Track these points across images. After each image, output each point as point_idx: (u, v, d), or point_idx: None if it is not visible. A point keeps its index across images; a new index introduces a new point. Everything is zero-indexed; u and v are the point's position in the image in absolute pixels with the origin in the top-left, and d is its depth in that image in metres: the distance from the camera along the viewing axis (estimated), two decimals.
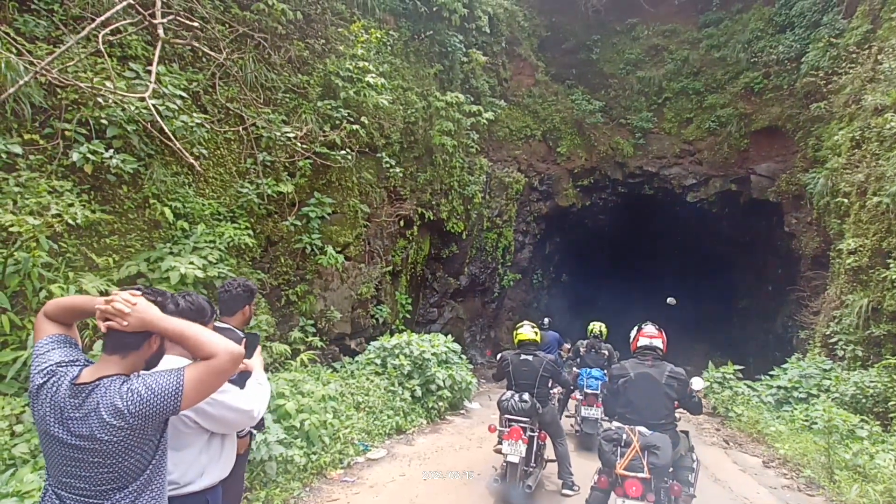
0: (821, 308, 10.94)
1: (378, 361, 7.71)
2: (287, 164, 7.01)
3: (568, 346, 9.63)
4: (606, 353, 7.88)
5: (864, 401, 7.72)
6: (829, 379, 8.70)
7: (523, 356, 5.50)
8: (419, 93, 10.80)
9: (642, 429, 4.02)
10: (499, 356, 5.79)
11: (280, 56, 7.05)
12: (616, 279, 20.45)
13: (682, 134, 16.10)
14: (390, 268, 10.05)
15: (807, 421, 7.74)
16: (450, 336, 9.31)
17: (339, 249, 7.91)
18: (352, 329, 8.49)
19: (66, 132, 4.49)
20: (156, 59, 4.66)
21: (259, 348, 2.67)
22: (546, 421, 5.37)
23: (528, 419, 5.13)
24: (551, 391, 5.84)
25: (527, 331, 5.76)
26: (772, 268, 15.38)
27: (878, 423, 7.12)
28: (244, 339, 2.68)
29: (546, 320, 10.26)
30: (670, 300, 15.00)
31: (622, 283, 20.53)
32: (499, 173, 14.79)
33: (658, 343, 4.37)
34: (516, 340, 5.79)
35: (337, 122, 7.56)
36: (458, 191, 12.45)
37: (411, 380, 7.73)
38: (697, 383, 4.34)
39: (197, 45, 5.45)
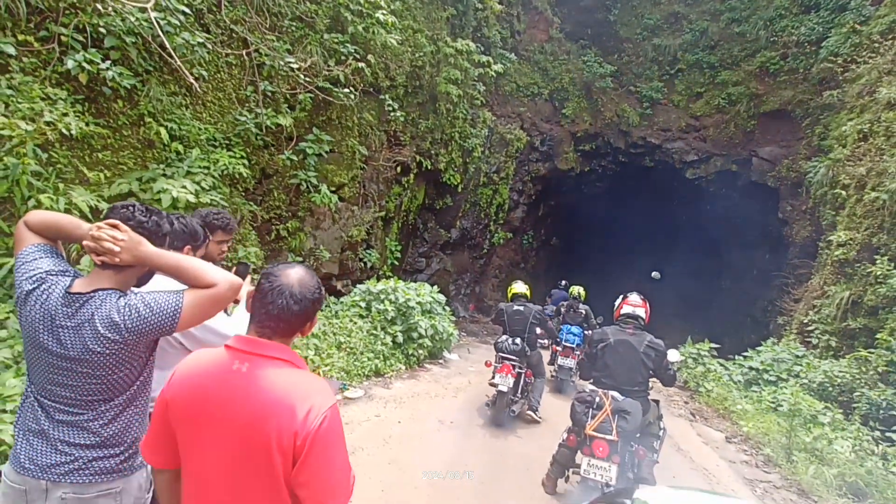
0: (802, 296, 11.13)
1: (363, 305, 7.79)
2: (288, 97, 6.79)
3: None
4: (584, 312, 9.04)
5: (830, 389, 7.92)
6: (800, 365, 8.88)
7: (516, 306, 6.49)
8: (429, 36, 10.41)
9: (615, 394, 4.18)
10: (497, 306, 6.93)
11: None
12: (605, 248, 20.58)
13: (690, 108, 15.85)
14: (383, 213, 9.99)
15: (773, 403, 7.97)
16: (435, 287, 9.38)
17: (333, 189, 7.81)
18: (339, 270, 8.51)
19: (63, 37, 4.26)
20: None
21: (249, 278, 2.67)
22: (532, 362, 6.38)
23: (517, 359, 6.15)
24: (539, 339, 6.82)
25: (519, 286, 6.77)
26: (760, 252, 15.53)
27: (840, 411, 7.34)
28: (234, 269, 2.67)
29: (563, 282, 11.84)
30: (655, 274, 15.25)
31: (611, 252, 20.69)
32: (501, 129, 14.54)
33: (641, 312, 4.50)
34: (510, 293, 6.79)
35: (342, 57, 7.30)
36: (458, 142, 12.24)
37: (394, 325, 7.84)
38: (673, 355, 4.45)
39: None
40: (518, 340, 6.21)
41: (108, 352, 1.54)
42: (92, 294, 1.56)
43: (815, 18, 13.87)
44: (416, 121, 10.60)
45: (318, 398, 1.37)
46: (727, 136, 15.10)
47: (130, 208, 1.68)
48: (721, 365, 10.03)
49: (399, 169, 10.32)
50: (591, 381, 4.48)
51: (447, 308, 9.71)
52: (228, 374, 1.39)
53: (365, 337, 7.22)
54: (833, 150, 11.38)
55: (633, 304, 4.52)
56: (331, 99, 7.27)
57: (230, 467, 1.35)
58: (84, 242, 1.58)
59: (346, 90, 7.23)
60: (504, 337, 6.36)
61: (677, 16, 16.72)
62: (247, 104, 6.21)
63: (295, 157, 6.90)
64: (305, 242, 7.50)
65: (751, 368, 9.49)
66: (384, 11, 7.60)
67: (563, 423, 4.82)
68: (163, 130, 4.79)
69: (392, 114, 9.11)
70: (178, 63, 4.43)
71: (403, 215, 11.60)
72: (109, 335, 1.53)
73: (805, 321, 10.07)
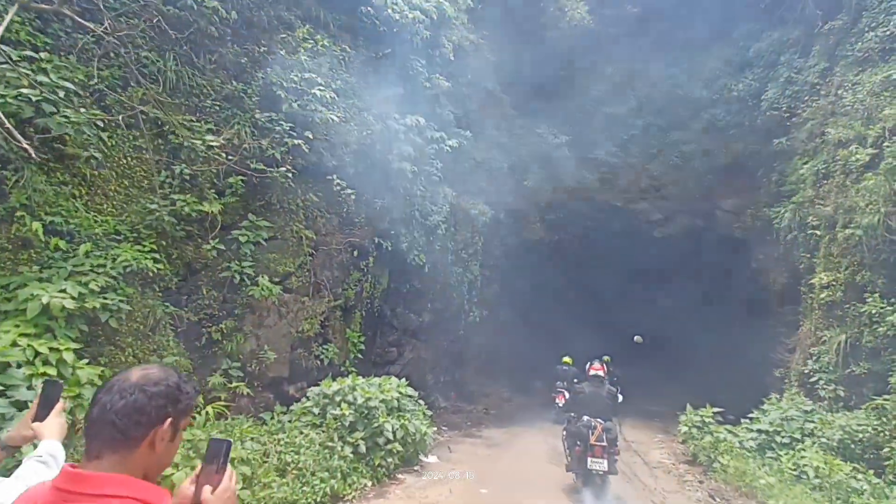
0: (796, 345, 10.52)
1: (316, 411, 6.55)
2: (214, 180, 6.11)
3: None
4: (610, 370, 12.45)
5: (852, 446, 7.20)
6: (813, 422, 8.21)
7: (564, 368, 12.97)
8: (377, 114, 10.13)
9: (599, 419, 6.95)
10: (556, 367, 13.33)
11: (210, 60, 6.25)
12: (585, 315, 19.90)
13: (647, 169, 15.94)
14: (341, 301, 9.08)
15: (795, 469, 7.08)
16: (403, 380, 8.32)
17: (277, 280, 6.97)
18: (290, 372, 7.40)
19: None
20: (3, 26, 3.74)
21: (60, 404, 1.71)
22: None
23: (563, 391, 12.16)
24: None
25: (566, 358, 13.13)
26: (740, 304, 15.09)
27: (871, 471, 6.53)
28: (40, 392, 1.75)
29: (606, 357, 13.28)
30: (637, 338, 14.75)
31: (591, 319, 19.97)
32: (465, 205, 14.15)
33: (601, 373, 7.69)
34: (563, 361, 13.22)
35: (277, 136, 6.75)
36: (419, 221, 11.69)
37: (354, 432, 6.56)
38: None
39: (68, 13, 4.49)
40: (565, 384, 12.36)
41: None
42: None
43: (750, 75, 14.38)
44: (370, 200, 10.03)
45: None
46: (687, 193, 15.11)
47: None
48: (729, 431, 9.06)
49: (356, 252, 9.58)
50: (574, 412, 7.74)
51: (421, 402, 8.60)
52: None
53: (317, 451, 5.90)
54: (796, 194, 11.28)
55: (595, 369, 7.72)
56: (268, 180, 6.62)
57: None
58: None
59: (283, 169, 6.61)
60: (559, 382, 12.66)
61: (621, 86, 17.30)
62: (162, 190, 5.47)
63: (224, 247, 6.08)
64: (245, 344, 6.49)
65: (760, 431, 8.70)
66: (321, 87, 7.21)
67: None
68: (37, 225, 3.95)
69: (342, 192, 8.48)
70: (24, 143, 3.66)
71: (367, 302, 10.69)
72: None
73: (805, 371, 9.51)
